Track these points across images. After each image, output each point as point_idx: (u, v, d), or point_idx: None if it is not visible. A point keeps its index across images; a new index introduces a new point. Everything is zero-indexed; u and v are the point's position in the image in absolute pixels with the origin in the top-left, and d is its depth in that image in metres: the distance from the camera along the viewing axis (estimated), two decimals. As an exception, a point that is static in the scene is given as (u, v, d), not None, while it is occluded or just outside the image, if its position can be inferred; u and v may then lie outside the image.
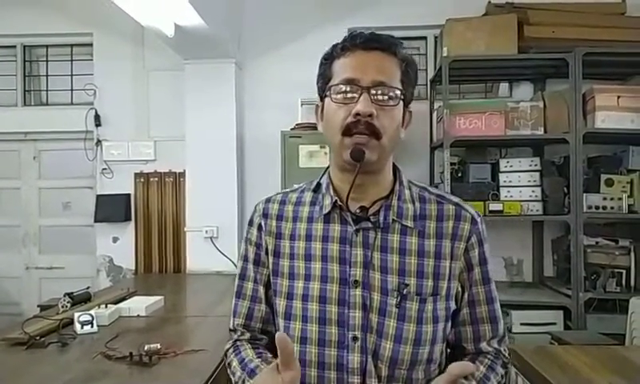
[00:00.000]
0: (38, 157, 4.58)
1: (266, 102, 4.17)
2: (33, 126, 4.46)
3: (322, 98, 1.06)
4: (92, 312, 2.42)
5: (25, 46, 4.57)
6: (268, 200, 1.15)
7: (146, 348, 1.95)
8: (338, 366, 0.99)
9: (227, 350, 1.16)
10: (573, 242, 3.35)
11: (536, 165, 3.51)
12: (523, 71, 3.94)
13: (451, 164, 3.48)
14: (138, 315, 2.64)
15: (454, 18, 3.57)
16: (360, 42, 0.99)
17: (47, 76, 4.62)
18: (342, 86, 0.98)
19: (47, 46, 4.58)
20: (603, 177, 3.44)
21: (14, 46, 4.55)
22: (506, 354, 1.12)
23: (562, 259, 3.68)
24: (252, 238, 1.13)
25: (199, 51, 3.80)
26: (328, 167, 1.11)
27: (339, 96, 0.98)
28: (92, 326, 2.35)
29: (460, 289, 1.06)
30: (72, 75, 4.57)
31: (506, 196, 3.48)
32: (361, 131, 0.96)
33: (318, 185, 1.11)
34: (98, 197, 4.32)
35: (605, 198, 3.39)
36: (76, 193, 4.54)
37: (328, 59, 1.04)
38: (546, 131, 3.40)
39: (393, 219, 1.03)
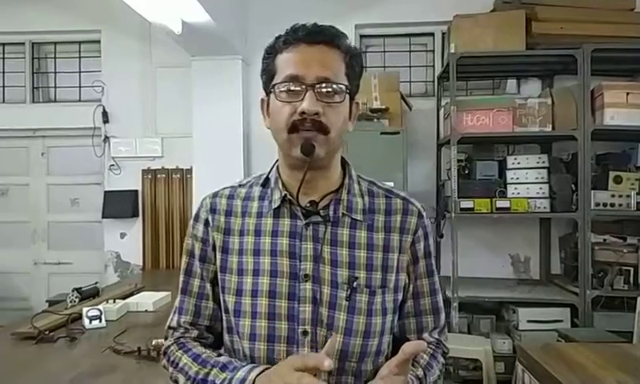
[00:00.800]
0: (46, 153, 4.61)
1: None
2: (41, 123, 4.49)
3: (267, 93, 1.03)
4: (100, 307, 2.44)
5: (33, 43, 4.60)
6: (215, 194, 1.12)
7: (153, 343, 1.96)
8: None
9: (168, 348, 1.09)
10: (580, 240, 3.33)
11: (544, 162, 3.49)
12: (531, 68, 3.92)
13: (458, 161, 3.47)
14: (146, 310, 2.67)
15: (462, 15, 3.56)
16: (302, 34, 0.97)
17: (55, 73, 4.65)
18: (286, 83, 0.96)
19: (55, 43, 4.61)
20: (612, 174, 3.42)
21: (23, 43, 4.58)
22: (446, 344, 1.13)
23: (570, 257, 3.66)
24: (198, 234, 1.09)
25: (206, 48, 3.81)
26: (276, 161, 1.09)
27: (284, 94, 0.96)
28: (100, 321, 2.38)
29: (407, 281, 1.07)
30: (80, 72, 4.60)
31: (513, 193, 3.47)
32: (307, 129, 0.94)
33: (267, 179, 1.09)
34: (106, 193, 4.35)
35: (613, 195, 3.37)
36: (84, 189, 4.57)
37: (271, 53, 1.01)
38: (554, 128, 3.38)
39: (342, 213, 1.03)
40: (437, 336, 1.11)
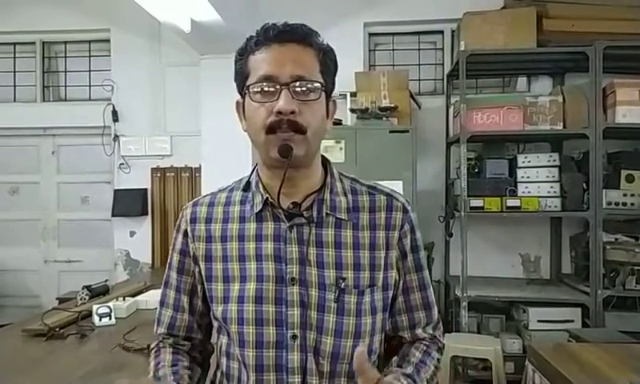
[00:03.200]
0: (56, 152, 4.64)
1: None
2: (51, 122, 4.53)
3: (241, 96, 1.02)
4: (110, 304, 2.45)
5: (44, 43, 4.63)
6: (195, 203, 1.10)
7: (163, 340, 1.96)
8: (277, 367, 0.97)
9: (151, 351, 1.15)
10: (592, 239, 3.29)
11: (555, 160, 3.46)
12: (542, 65, 3.89)
13: (468, 159, 3.45)
14: (155, 308, 2.66)
15: (472, 12, 3.54)
16: (274, 34, 0.96)
17: (66, 72, 4.68)
18: (259, 84, 0.95)
19: (66, 43, 4.64)
20: (623, 173, 3.38)
21: (34, 43, 4.61)
22: (441, 339, 1.12)
23: (581, 256, 3.63)
24: (177, 245, 1.09)
25: (215, 46, 3.80)
26: (256, 165, 1.08)
27: (258, 95, 0.95)
28: (110, 319, 2.38)
29: (397, 278, 1.05)
30: (90, 71, 4.63)
31: (523, 192, 3.44)
32: (284, 130, 0.93)
33: (248, 183, 1.07)
34: (116, 191, 4.37)
35: (625, 194, 3.33)
36: (94, 187, 4.60)
37: (243, 55, 1.00)
38: (565, 126, 3.35)
39: (326, 213, 1.01)
40: (431, 331, 1.10)
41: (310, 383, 0.97)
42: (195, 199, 1.12)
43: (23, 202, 4.67)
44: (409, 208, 1.07)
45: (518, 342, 3.39)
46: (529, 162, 3.48)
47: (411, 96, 3.77)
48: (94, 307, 2.40)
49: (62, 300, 3.46)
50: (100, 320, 2.36)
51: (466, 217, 3.37)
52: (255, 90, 0.95)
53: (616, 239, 3.42)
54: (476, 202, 3.39)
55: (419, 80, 4.29)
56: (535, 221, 3.92)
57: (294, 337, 0.97)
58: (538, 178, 3.44)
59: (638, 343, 2.69)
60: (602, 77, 3.29)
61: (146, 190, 4.38)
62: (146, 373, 1.79)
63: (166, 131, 4.39)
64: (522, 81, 4.13)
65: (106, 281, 3.05)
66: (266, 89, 0.94)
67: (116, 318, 2.40)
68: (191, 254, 1.07)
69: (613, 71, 3.48)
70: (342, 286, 0.98)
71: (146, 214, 4.37)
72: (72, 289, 3.68)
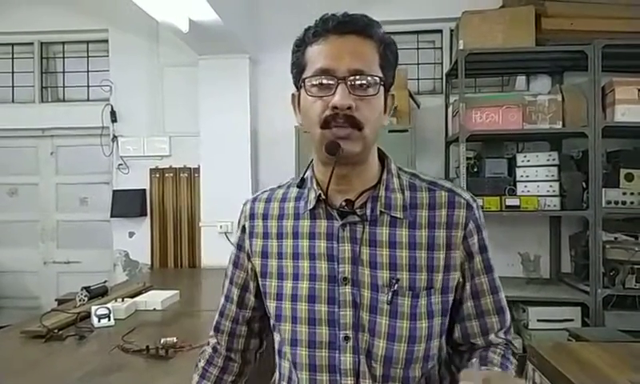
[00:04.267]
0: (55, 153, 4.63)
1: (280, 97, 4.12)
2: (50, 123, 4.51)
3: (297, 88, 1.00)
4: (109, 306, 2.45)
5: (42, 43, 4.62)
6: (254, 199, 1.10)
7: (162, 341, 1.96)
8: (330, 367, 0.95)
9: (206, 344, 1.21)
10: (591, 238, 3.29)
11: (554, 159, 3.46)
12: (541, 64, 3.88)
13: (467, 159, 3.44)
14: (154, 309, 2.66)
15: (471, 11, 3.53)
16: (332, 25, 0.93)
17: (64, 72, 4.67)
18: (316, 77, 0.92)
19: (64, 43, 4.63)
20: (623, 171, 3.38)
21: (32, 43, 4.60)
22: (515, 344, 1.07)
23: (580, 255, 3.62)
24: (236, 240, 1.11)
25: (214, 46, 3.80)
26: (312, 160, 1.05)
27: (314, 88, 0.92)
28: (109, 320, 2.38)
29: (461, 280, 0.99)
30: (88, 72, 4.62)
31: (522, 191, 3.44)
32: (340, 124, 0.90)
33: (303, 180, 1.05)
34: (114, 192, 4.36)
35: (624, 193, 3.33)
36: (93, 188, 4.59)
37: (300, 46, 0.97)
38: (564, 125, 3.34)
39: (381, 211, 0.97)
40: (503, 336, 1.05)
41: None
42: (255, 195, 1.12)
43: (22, 203, 4.66)
44: (474, 205, 1.00)
45: (517, 341, 3.38)
46: (528, 161, 3.48)
47: (410, 95, 3.76)
48: (93, 308, 2.40)
49: (60, 301, 3.44)
50: (99, 321, 2.36)
51: (466, 216, 3.36)
52: (312, 83, 0.93)
53: (615, 238, 3.42)
54: (475, 202, 3.39)
55: (418, 79, 4.29)
56: (534, 220, 3.92)
57: (347, 338, 0.94)
58: (537, 177, 3.44)
59: (638, 342, 2.69)
60: (601, 75, 3.29)
61: (144, 190, 4.37)
62: (145, 374, 1.80)
63: (165, 132, 4.38)
64: (520, 80, 4.13)
65: (105, 282, 3.05)
66: (323, 82, 0.91)
67: (115, 319, 2.40)
68: (246, 249, 1.07)
69: (612, 70, 3.47)
70: (396, 288, 0.94)
71: (145, 214, 4.36)
72: (71, 290, 3.66)
